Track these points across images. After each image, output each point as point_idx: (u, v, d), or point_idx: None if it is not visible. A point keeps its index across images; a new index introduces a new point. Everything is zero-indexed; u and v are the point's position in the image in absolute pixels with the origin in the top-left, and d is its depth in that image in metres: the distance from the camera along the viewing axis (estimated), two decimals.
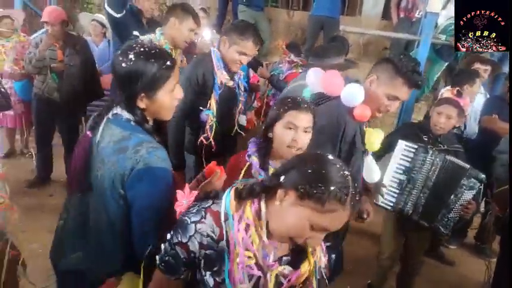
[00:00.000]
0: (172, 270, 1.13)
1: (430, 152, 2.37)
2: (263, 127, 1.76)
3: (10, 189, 3.61)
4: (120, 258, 1.34)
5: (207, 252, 1.08)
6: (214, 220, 1.08)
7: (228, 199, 1.10)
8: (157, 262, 1.14)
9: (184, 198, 1.20)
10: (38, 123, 3.79)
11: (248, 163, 1.72)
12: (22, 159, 4.39)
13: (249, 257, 1.07)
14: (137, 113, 1.33)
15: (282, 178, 1.03)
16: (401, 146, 2.44)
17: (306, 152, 1.14)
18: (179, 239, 1.09)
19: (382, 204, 2.44)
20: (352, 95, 1.84)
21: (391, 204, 2.44)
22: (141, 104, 1.32)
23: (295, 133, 1.65)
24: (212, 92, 2.42)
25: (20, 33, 4.20)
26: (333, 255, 1.96)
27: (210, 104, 2.43)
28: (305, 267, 1.15)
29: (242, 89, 2.62)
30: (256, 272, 1.09)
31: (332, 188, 0.96)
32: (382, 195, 2.40)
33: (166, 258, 1.12)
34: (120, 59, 1.27)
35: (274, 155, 1.72)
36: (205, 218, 1.08)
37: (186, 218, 1.11)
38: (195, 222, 1.08)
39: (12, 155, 4.19)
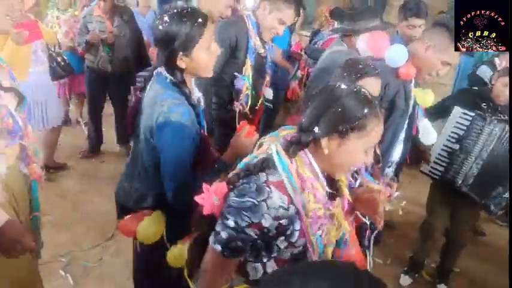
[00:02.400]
0: (238, 253, 1.11)
1: (488, 120, 2.24)
2: None
3: (66, 156, 3.89)
4: (152, 197, 1.53)
5: (281, 221, 1.07)
6: (281, 191, 1.07)
7: (286, 164, 1.08)
8: (219, 249, 1.09)
9: (211, 197, 1.13)
10: (91, 94, 3.91)
11: None
12: (78, 127, 4.62)
13: (319, 208, 1.11)
14: (176, 74, 1.41)
15: (316, 129, 1.07)
16: (457, 112, 2.31)
17: (317, 95, 1.11)
18: (249, 221, 1.06)
19: (429, 173, 2.35)
20: (396, 56, 1.87)
21: (439, 174, 2.34)
22: (181, 63, 1.38)
23: None
24: (245, 56, 2.32)
25: (78, 7, 4.33)
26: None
27: (245, 70, 2.32)
28: (345, 190, 1.23)
29: (270, 58, 2.52)
30: (328, 220, 1.16)
31: (365, 110, 1.04)
32: (429, 163, 2.32)
33: (233, 243, 1.08)
34: (157, 22, 1.37)
35: None
36: (272, 192, 1.06)
37: (248, 199, 1.06)
38: (264, 200, 1.05)
39: (66, 123, 4.39)
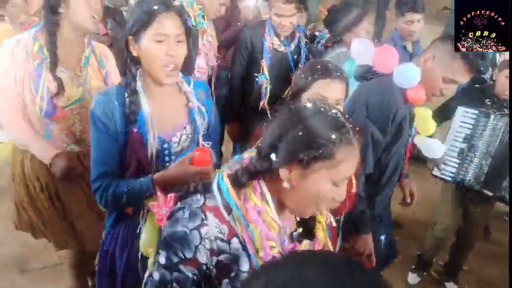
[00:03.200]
0: None
1: (492, 116, 2.23)
2: (288, 96, 1.64)
3: None
4: None
5: (219, 258, 0.88)
6: (218, 217, 0.89)
7: (225, 188, 0.92)
8: None
9: (162, 207, 1.04)
10: None
11: None
12: None
13: (272, 247, 0.91)
14: (131, 65, 1.30)
15: (273, 157, 0.89)
16: (461, 112, 2.31)
17: (277, 115, 0.93)
18: (182, 256, 0.87)
19: (441, 176, 2.33)
20: (407, 76, 1.64)
21: (451, 176, 2.32)
22: (134, 51, 1.27)
23: None
24: (262, 57, 2.51)
25: None
26: (382, 237, 1.93)
27: (262, 69, 2.52)
28: (320, 233, 1.04)
29: (302, 54, 2.63)
30: None
31: (333, 136, 0.85)
32: (438, 166, 2.29)
33: (168, 286, 0.88)
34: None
35: None
36: (206, 219, 0.88)
37: (180, 227, 0.88)
38: (197, 228, 0.87)
39: None
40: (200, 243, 0.86)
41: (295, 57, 2.59)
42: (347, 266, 0.55)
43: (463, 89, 3.43)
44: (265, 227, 0.90)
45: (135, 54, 1.27)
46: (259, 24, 2.62)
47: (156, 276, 0.90)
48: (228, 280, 0.89)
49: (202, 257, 0.87)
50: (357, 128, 0.90)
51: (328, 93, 1.45)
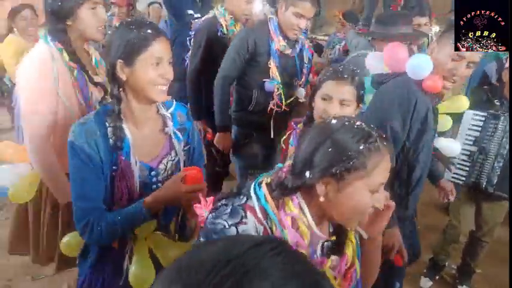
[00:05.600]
0: None
1: (502, 117, 2.23)
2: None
3: None
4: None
5: None
6: (257, 218, 0.93)
7: (262, 194, 0.95)
8: None
9: (203, 208, 1.06)
10: None
11: (290, 131, 1.75)
12: None
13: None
14: (114, 88, 1.24)
15: (307, 174, 0.92)
16: (469, 115, 2.31)
17: (307, 132, 0.98)
18: None
19: (453, 180, 2.32)
20: (419, 66, 1.67)
21: (463, 179, 2.32)
22: (122, 74, 1.21)
23: (328, 104, 1.57)
24: (267, 59, 2.33)
25: None
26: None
27: (271, 72, 2.34)
28: (350, 250, 1.06)
29: (305, 60, 2.49)
30: None
31: (361, 147, 0.90)
32: (450, 170, 2.29)
33: None
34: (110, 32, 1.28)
35: None
36: (246, 218, 0.93)
37: (220, 221, 0.92)
38: (235, 225, 0.92)
39: None
40: None
41: (300, 61, 2.46)
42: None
43: (472, 90, 3.41)
44: (297, 235, 0.94)
45: (123, 77, 1.22)
46: (261, 24, 2.39)
47: None
48: None
49: None
50: (384, 136, 0.94)
51: (334, 93, 1.55)
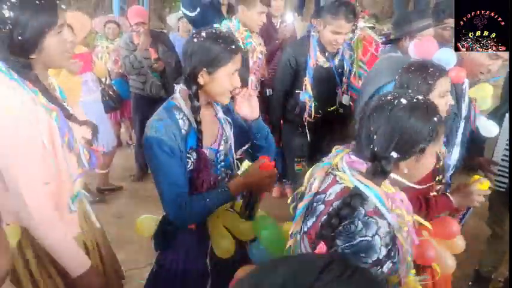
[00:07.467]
0: None
1: None
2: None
3: (118, 177, 4.02)
4: None
5: (389, 247, 1.03)
6: (380, 216, 1.04)
7: (374, 192, 1.05)
8: None
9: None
10: (140, 119, 3.89)
11: None
12: (128, 150, 4.85)
13: (410, 220, 1.12)
14: (192, 88, 1.42)
15: (394, 155, 1.06)
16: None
17: (376, 115, 1.09)
18: (367, 262, 1.01)
19: (494, 187, 2.21)
20: (444, 59, 1.81)
21: (504, 186, 2.24)
22: (201, 79, 1.40)
23: (446, 99, 1.67)
24: (305, 74, 2.62)
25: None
26: None
27: (305, 86, 2.65)
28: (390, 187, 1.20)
29: (346, 68, 2.76)
30: (414, 233, 1.14)
31: (435, 119, 1.07)
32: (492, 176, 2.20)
33: None
34: (193, 36, 1.42)
35: None
36: (378, 222, 1.03)
37: (361, 239, 1.01)
38: (377, 233, 1.02)
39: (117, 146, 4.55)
40: (380, 243, 1.01)
41: (340, 70, 2.72)
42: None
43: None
44: (405, 204, 1.13)
45: (201, 82, 1.40)
46: (301, 41, 2.75)
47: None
48: (389, 261, 1.04)
49: (381, 254, 1.01)
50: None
51: (446, 88, 1.67)
